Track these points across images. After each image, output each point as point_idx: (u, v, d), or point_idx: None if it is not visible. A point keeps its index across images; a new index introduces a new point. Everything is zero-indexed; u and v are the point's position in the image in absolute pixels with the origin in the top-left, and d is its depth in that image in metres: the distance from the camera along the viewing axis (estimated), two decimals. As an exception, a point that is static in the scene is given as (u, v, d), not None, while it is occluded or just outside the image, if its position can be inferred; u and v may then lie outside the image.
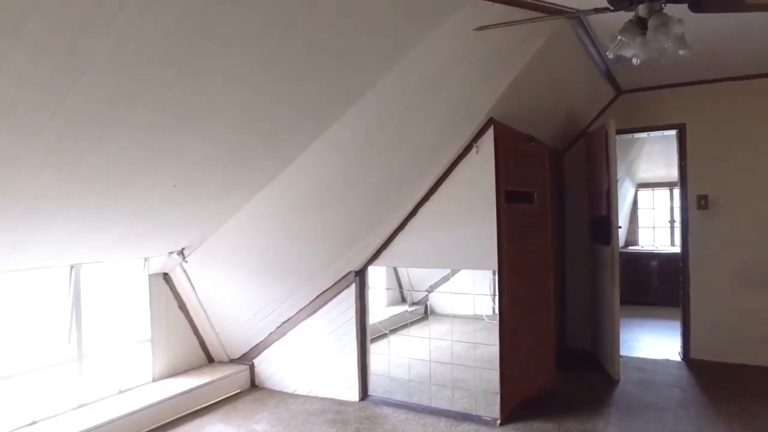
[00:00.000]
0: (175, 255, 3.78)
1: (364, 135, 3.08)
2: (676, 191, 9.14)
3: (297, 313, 4.31)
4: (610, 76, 4.79)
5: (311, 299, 4.26)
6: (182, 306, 4.34)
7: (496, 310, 3.67)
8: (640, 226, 9.00)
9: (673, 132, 5.31)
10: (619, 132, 5.05)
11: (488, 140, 3.59)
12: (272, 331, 4.40)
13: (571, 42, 3.60)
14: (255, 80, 2.29)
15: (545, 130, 4.58)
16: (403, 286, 6.26)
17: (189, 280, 4.14)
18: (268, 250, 3.85)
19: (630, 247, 8.69)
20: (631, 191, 8.82)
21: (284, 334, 4.38)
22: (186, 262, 3.89)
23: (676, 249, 8.30)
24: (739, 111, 4.89)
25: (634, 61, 2.28)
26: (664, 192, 8.93)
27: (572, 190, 5.58)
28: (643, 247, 8.71)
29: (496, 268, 3.57)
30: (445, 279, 4.68)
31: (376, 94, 2.72)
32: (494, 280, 3.64)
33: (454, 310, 4.38)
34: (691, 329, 5.10)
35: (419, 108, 3.14)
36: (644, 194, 9.05)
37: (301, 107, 2.64)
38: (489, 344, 3.69)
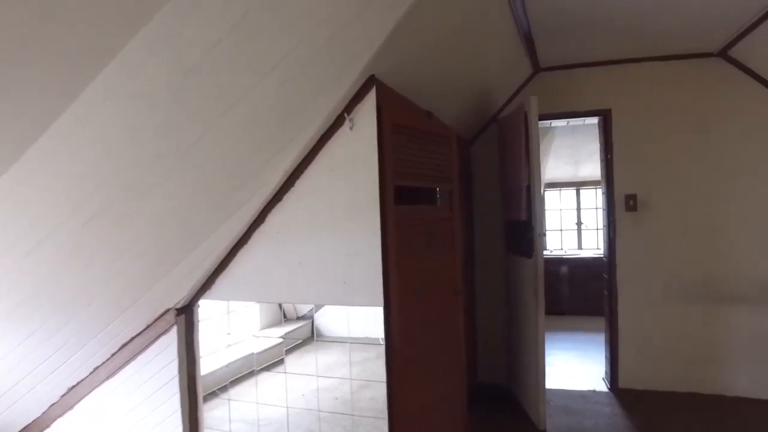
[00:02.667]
0: None
1: (172, 77, 1.75)
2: (584, 192, 8.72)
3: (92, 373, 2.85)
4: (530, 46, 3.81)
5: (113, 351, 2.82)
6: None
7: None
8: (547, 229, 8.35)
9: (595, 120, 4.47)
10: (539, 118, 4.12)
11: (368, 109, 2.39)
12: (54, 402, 2.89)
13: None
14: None
15: (448, 110, 3.49)
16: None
17: None
18: (35, 272, 2.36)
19: (538, 252, 7.98)
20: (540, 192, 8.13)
21: (72, 407, 2.89)
22: None
23: (585, 253, 7.79)
24: (672, 96, 4.13)
25: None
26: (571, 192, 8.36)
27: (482, 188, 4.57)
28: (551, 251, 8.06)
29: (379, 300, 2.37)
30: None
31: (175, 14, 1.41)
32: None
33: (350, 328, 3.14)
34: (619, 353, 4.27)
35: (257, 47, 1.87)
36: (551, 195, 8.43)
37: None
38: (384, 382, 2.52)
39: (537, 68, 4.32)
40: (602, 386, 4.40)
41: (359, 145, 2.41)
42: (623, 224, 4.22)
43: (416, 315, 2.58)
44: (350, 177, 2.43)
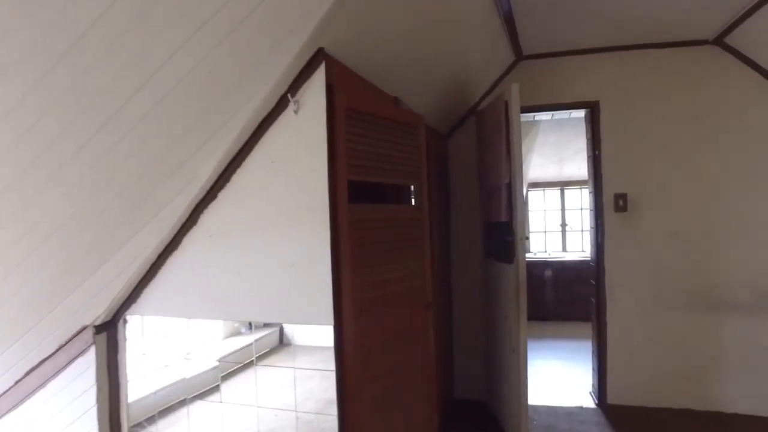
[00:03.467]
0: None
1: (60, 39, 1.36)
2: (569, 192, 8.41)
3: (-6, 401, 2.42)
4: (512, 30, 3.45)
5: (17, 378, 2.39)
6: None
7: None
8: (531, 230, 8.04)
9: (582, 113, 4.13)
10: (522, 111, 3.76)
11: (316, 90, 2.00)
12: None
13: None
14: None
15: (420, 98, 3.12)
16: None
17: None
18: None
19: (522, 255, 7.64)
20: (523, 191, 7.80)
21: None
22: None
23: (570, 256, 7.47)
24: (665, 87, 3.80)
25: None
26: (555, 192, 8.05)
27: (460, 186, 4.21)
28: (535, 254, 7.74)
29: (328, 318, 1.98)
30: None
31: None
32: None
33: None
34: (608, 366, 3.92)
35: (173, 10, 1.49)
36: (535, 195, 8.11)
37: None
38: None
39: (519, 55, 3.97)
40: (589, 401, 4.06)
41: (306, 132, 2.01)
42: (612, 226, 3.88)
43: (375, 334, 2.19)
44: (296, 170, 2.04)
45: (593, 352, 4.10)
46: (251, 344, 3.28)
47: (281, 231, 2.06)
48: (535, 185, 7.96)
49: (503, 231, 3.28)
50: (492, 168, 3.50)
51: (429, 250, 2.62)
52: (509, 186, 3.17)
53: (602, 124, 3.88)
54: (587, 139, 4.07)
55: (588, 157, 4.07)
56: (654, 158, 3.80)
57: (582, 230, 7.79)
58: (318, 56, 1.99)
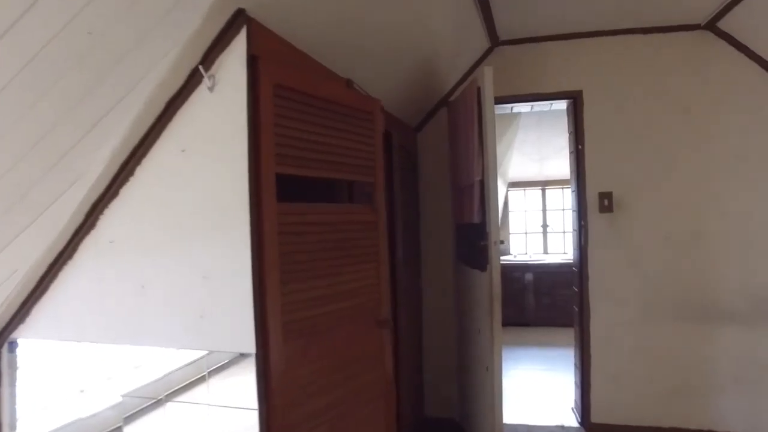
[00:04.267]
0: None
1: None
2: (550, 191, 8.11)
3: None
4: (486, 12, 3.09)
5: None
6: None
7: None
8: (511, 232, 7.72)
9: (564, 105, 3.80)
10: (498, 101, 3.42)
11: (235, 61, 1.61)
12: None
13: None
14: None
15: (382, 84, 2.74)
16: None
17: None
18: None
19: (501, 258, 7.29)
20: (502, 190, 7.48)
21: None
22: None
23: (552, 258, 7.16)
24: (654, 75, 3.48)
25: None
26: (536, 192, 7.74)
27: (430, 185, 3.84)
28: (515, 256, 7.42)
29: (248, 343, 1.59)
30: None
31: None
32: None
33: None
34: (592, 381, 3.59)
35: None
36: (515, 195, 7.79)
37: None
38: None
39: (495, 41, 3.61)
40: (572, 419, 3.72)
41: (223, 113, 1.62)
42: (596, 228, 3.54)
43: (314, 361, 1.81)
44: (211, 161, 1.65)
45: (576, 365, 3.76)
46: (165, 376, 2.55)
47: (194, 235, 1.66)
48: (515, 185, 7.63)
49: (476, 234, 2.92)
50: (463, 163, 3.14)
51: (386, 257, 2.24)
52: (482, 183, 2.81)
53: (586, 117, 3.54)
54: (569, 133, 3.74)
55: (570, 153, 3.73)
56: (642, 153, 3.47)
57: (564, 231, 7.49)
58: (238, 19, 1.60)
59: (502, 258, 7.22)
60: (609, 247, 3.52)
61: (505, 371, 4.78)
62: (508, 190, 7.54)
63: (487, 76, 2.78)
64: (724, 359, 3.39)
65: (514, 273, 6.79)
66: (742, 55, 3.34)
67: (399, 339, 2.90)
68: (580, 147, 3.55)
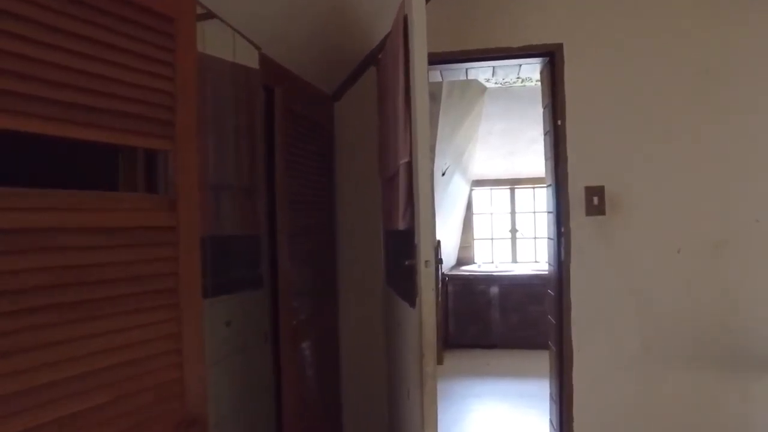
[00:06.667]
0: None
1: None
2: (520, 191, 7.13)
3: None
4: None
5: None
6: None
7: None
8: (475, 237, 6.73)
9: (537, 66, 2.79)
10: (447, 58, 2.41)
11: None
12: None
13: None
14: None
15: (273, 28, 1.66)
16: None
17: None
18: None
19: (463, 268, 6.29)
20: (465, 189, 6.47)
21: None
22: None
23: (522, 269, 6.15)
24: (658, 24, 2.50)
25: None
26: (504, 192, 6.77)
27: (352, 173, 2.78)
28: (480, 266, 6.43)
29: None
30: None
31: None
32: None
33: None
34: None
35: None
36: (480, 195, 6.80)
37: None
38: None
39: (442, -26, 2.58)
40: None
41: None
42: (582, 237, 2.54)
43: None
44: None
45: (551, 422, 2.75)
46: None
47: None
48: (479, 183, 6.65)
49: (402, 247, 1.86)
50: (390, 141, 2.08)
51: (197, 296, 1.16)
52: (409, 167, 1.75)
53: (567, 81, 2.54)
54: (544, 107, 2.73)
55: (545, 134, 2.73)
56: (645, 133, 2.49)
57: (536, 237, 6.53)
58: None
59: (464, 268, 6.24)
60: (599, 264, 2.52)
61: (465, 412, 3.78)
62: (471, 190, 6.55)
63: (416, 2, 1.72)
64: (759, 420, 2.43)
65: (478, 286, 5.82)
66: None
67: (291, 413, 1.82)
68: (559, 123, 2.53)
